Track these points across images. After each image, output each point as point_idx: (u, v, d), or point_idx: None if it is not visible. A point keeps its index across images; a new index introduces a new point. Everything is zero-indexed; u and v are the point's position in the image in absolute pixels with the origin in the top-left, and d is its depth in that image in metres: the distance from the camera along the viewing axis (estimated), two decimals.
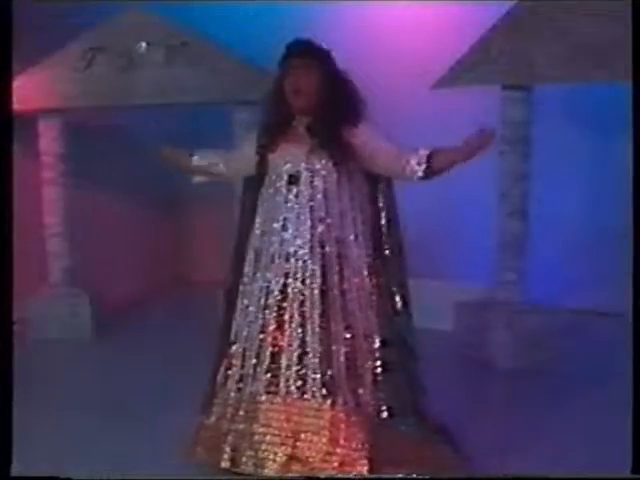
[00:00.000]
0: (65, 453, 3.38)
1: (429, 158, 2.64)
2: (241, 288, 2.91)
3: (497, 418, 3.71)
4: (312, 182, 2.75)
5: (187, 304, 6.02)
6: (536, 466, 3.14)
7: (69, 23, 5.21)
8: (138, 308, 5.91)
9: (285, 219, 2.77)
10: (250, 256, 2.88)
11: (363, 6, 5.65)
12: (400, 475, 2.71)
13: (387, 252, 2.88)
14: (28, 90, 4.95)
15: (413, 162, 2.65)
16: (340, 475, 2.65)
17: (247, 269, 2.89)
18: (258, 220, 2.87)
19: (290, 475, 2.68)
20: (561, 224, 5.41)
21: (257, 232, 2.86)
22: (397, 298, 2.88)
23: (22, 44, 3.59)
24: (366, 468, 2.66)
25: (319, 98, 2.73)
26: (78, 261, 5.41)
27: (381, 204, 2.89)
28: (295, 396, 2.70)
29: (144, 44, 5.04)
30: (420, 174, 2.65)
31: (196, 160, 3.04)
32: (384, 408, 2.75)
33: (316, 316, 2.70)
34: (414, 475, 2.72)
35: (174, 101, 5.16)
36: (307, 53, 2.75)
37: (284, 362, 2.72)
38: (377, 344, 2.77)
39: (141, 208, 6.50)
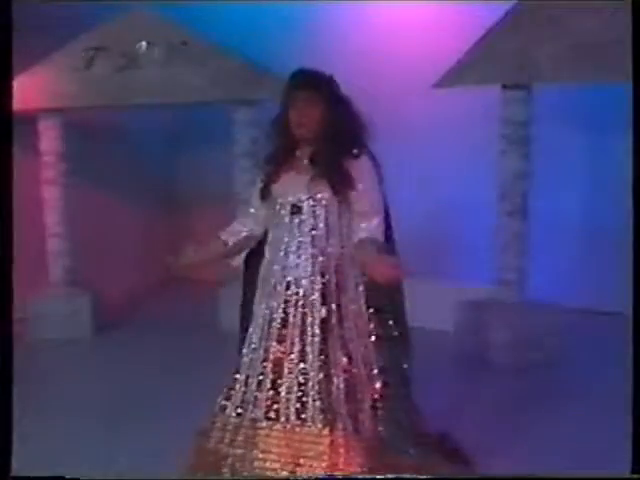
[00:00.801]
0: (65, 453, 3.39)
1: (362, 241, 2.71)
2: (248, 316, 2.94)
3: (497, 417, 3.71)
4: (314, 212, 2.76)
5: (187, 304, 6.02)
6: (536, 466, 3.15)
7: (69, 23, 5.21)
8: (138, 308, 5.92)
9: (287, 248, 2.79)
10: (259, 284, 2.90)
11: (363, 6, 5.65)
12: (400, 475, 2.72)
13: None
14: (28, 90, 4.95)
15: (362, 226, 2.73)
16: (339, 475, 2.66)
17: (256, 297, 2.91)
18: (267, 249, 2.89)
19: None
20: (561, 224, 5.42)
21: (265, 261, 2.89)
22: (394, 325, 2.87)
23: (22, 44, 3.58)
24: None
25: (322, 129, 2.74)
26: (78, 261, 5.42)
27: None
28: (295, 422, 2.71)
29: (144, 44, 5.05)
30: (355, 240, 2.74)
31: (228, 241, 3.01)
32: (383, 433, 2.76)
33: (316, 344, 2.72)
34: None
35: (174, 101, 5.17)
36: (310, 86, 2.75)
37: (284, 389, 2.74)
38: (375, 370, 2.79)
39: (141, 208, 6.50)
